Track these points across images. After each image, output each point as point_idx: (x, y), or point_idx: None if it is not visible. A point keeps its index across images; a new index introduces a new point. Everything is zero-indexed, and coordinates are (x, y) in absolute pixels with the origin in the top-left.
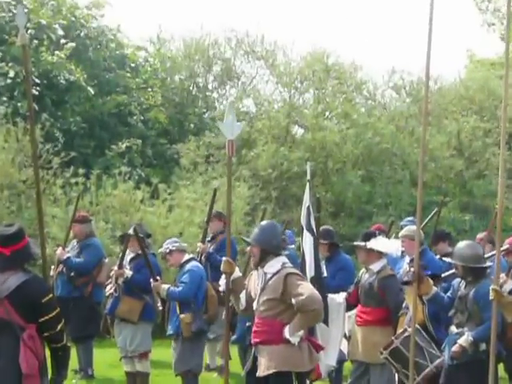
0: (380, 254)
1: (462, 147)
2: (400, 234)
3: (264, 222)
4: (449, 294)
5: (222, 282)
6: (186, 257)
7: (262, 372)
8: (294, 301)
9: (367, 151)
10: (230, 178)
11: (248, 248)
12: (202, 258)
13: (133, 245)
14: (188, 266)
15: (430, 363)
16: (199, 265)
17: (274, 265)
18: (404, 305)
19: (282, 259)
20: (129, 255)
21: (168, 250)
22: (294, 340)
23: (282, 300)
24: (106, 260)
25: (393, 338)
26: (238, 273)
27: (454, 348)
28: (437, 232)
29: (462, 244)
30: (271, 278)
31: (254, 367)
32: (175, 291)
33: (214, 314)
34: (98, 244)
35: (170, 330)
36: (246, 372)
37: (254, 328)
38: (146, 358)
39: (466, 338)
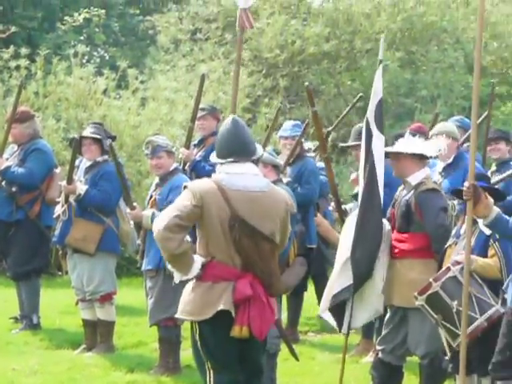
0: (418, 162)
1: None
2: (432, 132)
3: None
4: None
5: None
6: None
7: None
8: None
9: (407, 26)
10: (238, 63)
11: None
12: (186, 167)
13: (89, 150)
14: (174, 181)
15: (480, 315)
16: (188, 179)
17: None
18: (454, 231)
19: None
20: (84, 164)
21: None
22: None
23: None
24: (58, 170)
25: (431, 279)
26: None
27: None
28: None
29: None
30: None
31: None
32: None
33: None
34: (47, 148)
35: (147, 265)
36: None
37: None
38: (110, 301)
39: None
